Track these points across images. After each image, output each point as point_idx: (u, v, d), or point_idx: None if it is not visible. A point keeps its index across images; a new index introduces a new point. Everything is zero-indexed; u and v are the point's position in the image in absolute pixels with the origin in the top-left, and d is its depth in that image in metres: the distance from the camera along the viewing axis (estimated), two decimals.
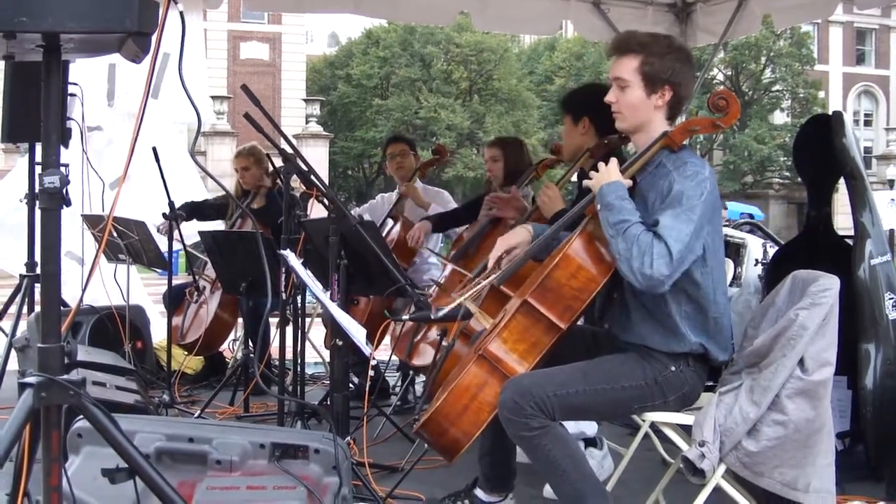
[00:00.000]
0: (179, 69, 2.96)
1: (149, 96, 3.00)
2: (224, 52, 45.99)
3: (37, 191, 2.60)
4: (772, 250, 6.68)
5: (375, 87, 48.43)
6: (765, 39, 44.33)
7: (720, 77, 47.71)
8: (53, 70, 2.63)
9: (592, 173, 3.57)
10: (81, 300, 3.53)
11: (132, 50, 2.62)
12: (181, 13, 2.87)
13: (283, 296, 5.04)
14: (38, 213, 2.70)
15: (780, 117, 49.45)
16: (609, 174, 3.50)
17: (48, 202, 2.61)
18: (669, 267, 3.24)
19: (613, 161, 3.55)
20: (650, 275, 3.24)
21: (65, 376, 2.64)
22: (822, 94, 49.16)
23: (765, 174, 48.26)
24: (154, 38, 2.63)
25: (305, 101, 42.29)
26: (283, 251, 4.40)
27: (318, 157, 36.12)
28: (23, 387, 2.62)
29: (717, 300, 3.56)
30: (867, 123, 54.88)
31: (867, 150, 51.44)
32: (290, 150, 4.74)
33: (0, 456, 2.56)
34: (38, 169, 5.92)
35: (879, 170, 47.43)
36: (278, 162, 4.93)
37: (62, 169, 2.65)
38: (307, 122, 39.57)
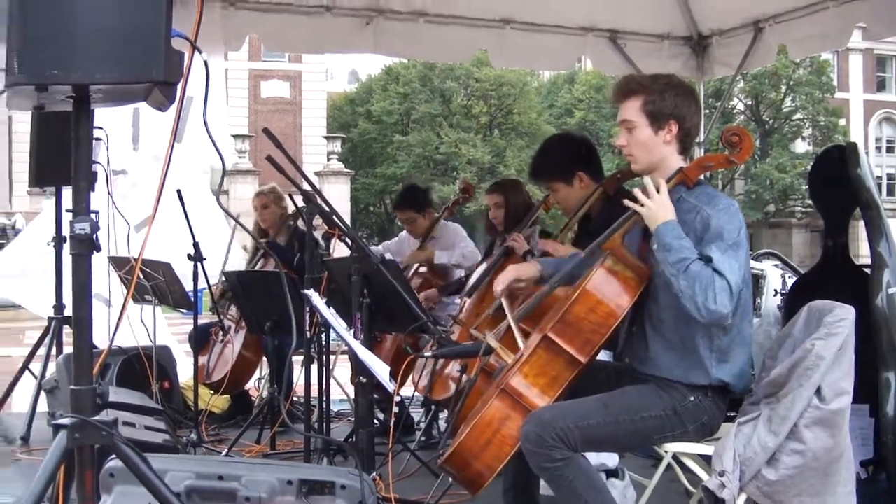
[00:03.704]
0: (204, 117, 3.03)
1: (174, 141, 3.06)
2: (245, 91, 46.39)
3: (65, 235, 2.67)
4: (790, 281, 6.71)
5: (396, 123, 48.72)
6: (784, 68, 44.25)
7: (740, 107, 47.75)
8: (83, 119, 2.71)
9: (642, 197, 3.51)
10: (112, 342, 3.59)
11: (158, 99, 2.70)
12: (205, 62, 2.94)
13: (308, 334, 5.10)
14: (65, 256, 2.77)
15: (801, 146, 49.37)
16: (664, 209, 3.47)
17: (79, 248, 2.68)
18: (732, 300, 3.32)
19: (664, 188, 3.52)
20: (715, 310, 3.30)
21: (97, 417, 2.71)
22: (843, 121, 49.08)
23: (787, 203, 48.15)
24: (179, 86, 2.71)
25: (326, 138, 42.57)
26: (306, 290, 4.46)
27: (339, 193, 36.33)
28: (57, 428, 2.69)
29: (749, 331, 3.65)
30: (889, 150, 54.67)
31: (890, 177, 51.29)
32: (311, 191, 4.81)
33: (36, 496, 2.62)
34: (64, 213, 6.07)
35: None
36: (301, 202, 5.00)
37: (92, 215, 2.72)
38: (328, 160, 39.81)
